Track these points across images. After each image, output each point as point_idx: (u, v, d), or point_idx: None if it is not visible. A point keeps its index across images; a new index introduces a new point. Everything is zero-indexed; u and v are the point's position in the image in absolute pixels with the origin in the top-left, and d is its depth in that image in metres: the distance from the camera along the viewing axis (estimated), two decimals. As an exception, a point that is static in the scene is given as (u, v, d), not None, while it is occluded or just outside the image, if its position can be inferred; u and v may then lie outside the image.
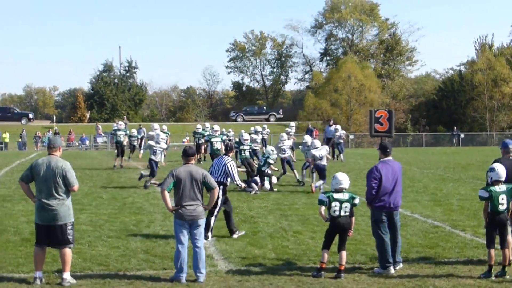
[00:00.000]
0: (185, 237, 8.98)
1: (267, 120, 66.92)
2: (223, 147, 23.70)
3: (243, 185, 13.47)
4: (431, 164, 29.67)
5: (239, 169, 16.72)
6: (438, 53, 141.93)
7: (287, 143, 21.73)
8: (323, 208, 9.37)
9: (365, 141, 58.09)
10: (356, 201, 9.36)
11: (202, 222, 9.08)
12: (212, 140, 23.24)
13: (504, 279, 9.02)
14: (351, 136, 55.55)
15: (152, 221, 13.70)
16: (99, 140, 54.92)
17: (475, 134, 62.66)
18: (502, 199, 9.17)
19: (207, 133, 30.03)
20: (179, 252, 8.89)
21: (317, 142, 19.67)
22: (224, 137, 27.57)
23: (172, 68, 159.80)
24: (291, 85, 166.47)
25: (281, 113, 71.02)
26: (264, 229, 12.80)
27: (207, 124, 31.98)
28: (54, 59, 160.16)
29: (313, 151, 19.06)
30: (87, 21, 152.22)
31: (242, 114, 69.72)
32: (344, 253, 9.23)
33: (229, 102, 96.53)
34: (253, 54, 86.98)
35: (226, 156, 12.58)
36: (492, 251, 9.13)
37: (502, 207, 9.18)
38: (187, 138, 53.25)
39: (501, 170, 9.30)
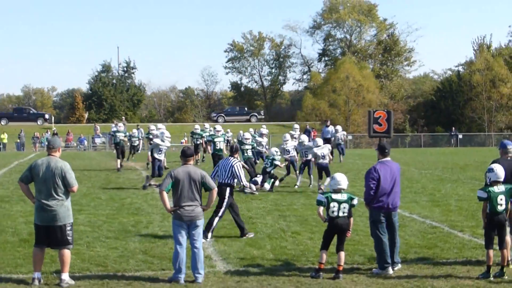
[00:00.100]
0: (183, 237, 8.97)
1: (248, 120, 66.26)
2: (225, 147, 23.85)
3: (250, 186, 13.52)
4: (429, 164, 29.68)
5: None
6: (436, 54, 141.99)
7: (290, 143, 21.70)
8: (321, 208, 9.38)
9: (363, 142, 58.16)
10: (355, 201, 9.36)
11: (200, 222, 9.08)
12: (215, 140, 23.22)
13: (502, 279, 9.03)
14: (350, 137, 55.53)
15: (151, 221, 13.69)
16: (97, 140, 54.89)
17: (473, 134, 62.71)
18: (501, 199, 9.18)
19: (207, 133, 30.05)
20: (178, 252, 8.89)
21: (320, 141, 19.65)
22: (229, 137, 27.44)
23: (170, 69, 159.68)
24: (289, 86, 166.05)
25: (262, 114, 70.53)
26: (262, 229, 12.80)
27: (207, 125, 31.92)
28: (53, 60, 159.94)
29: (315, 150, 19.07)
30: (85, 21, 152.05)
31: (223, 114, 68.97)
32: (342, 253, 9.24)
33: (227, 102, 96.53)
34: (251, 55, 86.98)
35: (232, 158, 12.60)
36: (491, 252, 9.14)
37: (500, 208, 9.18)
38: (185, 138, 53.23)
39: (499, 170, 9.30)
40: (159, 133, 21.41)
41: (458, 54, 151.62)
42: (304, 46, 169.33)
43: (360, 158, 34.42)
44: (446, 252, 10.76)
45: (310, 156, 19.89)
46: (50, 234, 8.72)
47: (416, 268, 9.69)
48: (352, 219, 9.45)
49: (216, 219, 11.92)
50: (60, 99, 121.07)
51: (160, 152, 19.87)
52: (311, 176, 20.06)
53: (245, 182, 12.64)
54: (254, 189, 18.50)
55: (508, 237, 9.48)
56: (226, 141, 25.04)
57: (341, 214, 9.24)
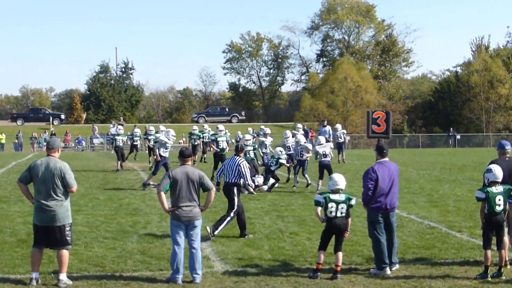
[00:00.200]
0: (181, 238, 8.97)
1: (229, 121, 65.87)
2: (227, 147, 23.90)
3: (255, 185, 13.57)
4: (427, 165, 29.70)
5: None
6: (434, 54, 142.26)
7: (291, 140, 21.79)
8: (319, 209, 9.37)
9: (362, 142, 58.16)
10: (353, 202, 9.37)
11: (198, 223, 9.08)
12: (218, 139, 23.23)
13: (500, 280, 9.03)
14: (348, 137, 55.51)
15: (149, 222, 13.69)
16: (96, 141, 54.83)
17: (471, 135, 62.76)
18: (499, 200, 9.18)
19: (206, 134, 30.03)
20: (176, 253, 8.89)
21: (322, 139, 19.62)
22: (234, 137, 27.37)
23: (168, 69, 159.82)
24: (288, 86, 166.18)
25: (243, 115, 70.25)
26: (260, 230, 12.80)
27: (206, 125, 31.87)
28: (51, 60, 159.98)
29: (317, 148, 19.05)
30: (83, 22, 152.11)
31: (204, 115, 68.70)
32: (340, 254, 9.24)
33: (225, 103, 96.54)
34: (249, 55, 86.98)
35: (238, 157, 12.61)
36: (489, 252, 9.14)
37: (498, 208, 9.19)
38: (184, 139, 53.14)
39: (498, 171, 9.31)
40: (164, 132, 21.59)
41: (456, 55, 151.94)
42: (302, 47, 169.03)
43: (358, 158, 34.43)
44: (444, 252, 10.76)
45: (305, 156, 19.92)
46: (49, 235, 8.71)
47: (414, 269, 9.69)
48: (350, 219, 9.45)
49: (228, 219, 11.97)
50: (58, 99, 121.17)
51: (166, 150, 20.07)
52: (306, 176, 20.03)
53: (250, 181, 12.64)
54: (252, 190, 18.47)
55: (506, 238, 9.49)
56: (227, 141, 25.03)
57: (339, 214, 9.24)
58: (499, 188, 9.25)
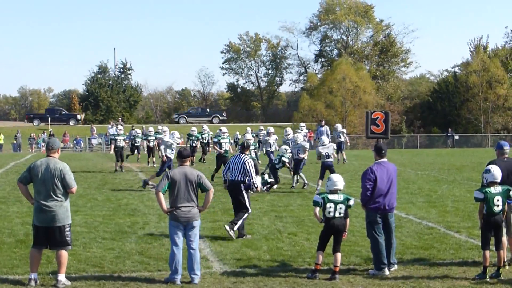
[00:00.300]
0: (180, 238, 8.97)
1: (211, 122, 65.30)
2: (231, 149, 23.88)
3: (259, 185, 13.59)
4: (425, 165, 29.70)
5: None
6: (432, 55, 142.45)
7: (291, 137, 21.91)
8: (317, 209, 9.37)
9: (360, 143, 58.17)
10: (351, 202, 9.37)
11: (197, 223, 9.07)
12: (221, 141, 23.22)
13: (498, 280, 9.04)
14: (346, 138, 55.49)
15: (147, 222, 13.68)
16: (94, 141, 54.84)
17: (470, 135, 62.82)
18: (498, 200, 9.19)
19: (205, 135, 30.00)
20: (174, 253, 8.88)
21: (325, 139, 19.61)
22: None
23: (167, 70, 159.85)
24: (286, 87, 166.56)
25: (224, 115, 69.97)
26: (259, 230, 12.79)
27: (205, 126, 31.81)
28: (49, 61, 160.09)
29: (320, 149, 19.05)
30: (82, 22, 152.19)
31: (185, 116, 68.63)
32: (338, 254, 9.24)
33: (224, 103, 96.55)
34: (248, 56, 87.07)
35: (243, 154, 12.61)
36: (487, 253, 9.14)
37: (497, 209, 9.19)
38: (182, 140, 53.06)
39: (496, 171, 9.31)
40: (169, 135, 21.69)
41: (454, 55, 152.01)
42: (300, 47, 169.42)
43: (357, 159, 34.43)
44: (442, 253, 10.77)
45: (301, 156, 19.93)
46: (49, 235, 8.71)
47: (413, 269, 9.69)
48: (348, 220, 9.46)
49: (245, 215, 12.09)
50: (56, 100, 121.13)
51: (172, 152, 20.17)
52: (302, 175, 20.03)
53: (255, 179, 12.63)
54: (255, 189, 18.46)
55: (504, 238, 9.50)
56: (230, 142, 25.01)
57: (337, 215, 9.24)
58: (497, 189, 9.25)
